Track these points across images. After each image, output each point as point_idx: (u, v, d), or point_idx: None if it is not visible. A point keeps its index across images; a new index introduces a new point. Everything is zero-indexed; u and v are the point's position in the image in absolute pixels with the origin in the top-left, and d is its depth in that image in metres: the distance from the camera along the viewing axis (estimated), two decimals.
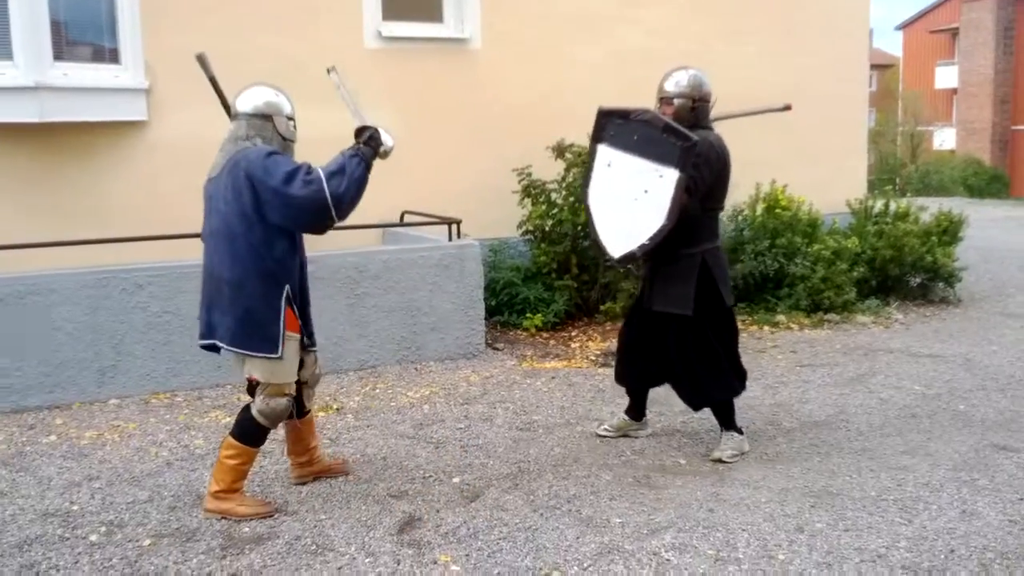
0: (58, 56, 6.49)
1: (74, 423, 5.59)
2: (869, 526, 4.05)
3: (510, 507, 4.28)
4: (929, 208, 9.85)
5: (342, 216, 4.00)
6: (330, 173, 3.93)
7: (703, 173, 4.61)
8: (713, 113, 4.93)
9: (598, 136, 4.74)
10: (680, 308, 4.73)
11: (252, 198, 3.93)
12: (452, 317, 6.99)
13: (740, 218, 8.64)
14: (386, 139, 4.12)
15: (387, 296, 6.74)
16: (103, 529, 4.11)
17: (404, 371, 6.67)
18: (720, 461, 4.84)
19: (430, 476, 4.69)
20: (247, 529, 4.07)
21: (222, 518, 4.15)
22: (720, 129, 4.99)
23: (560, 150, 7.79)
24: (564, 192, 7.77)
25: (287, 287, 4.09)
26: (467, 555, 3.80)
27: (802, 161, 9.49)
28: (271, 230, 4.01)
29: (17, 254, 6.08)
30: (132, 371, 6.07)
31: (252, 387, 4.22)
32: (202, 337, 4.21)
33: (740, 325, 7.83)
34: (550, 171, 7.84)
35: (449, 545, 3.90)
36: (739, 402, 5.88)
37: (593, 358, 6.98)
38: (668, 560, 3.74)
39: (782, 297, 8.29)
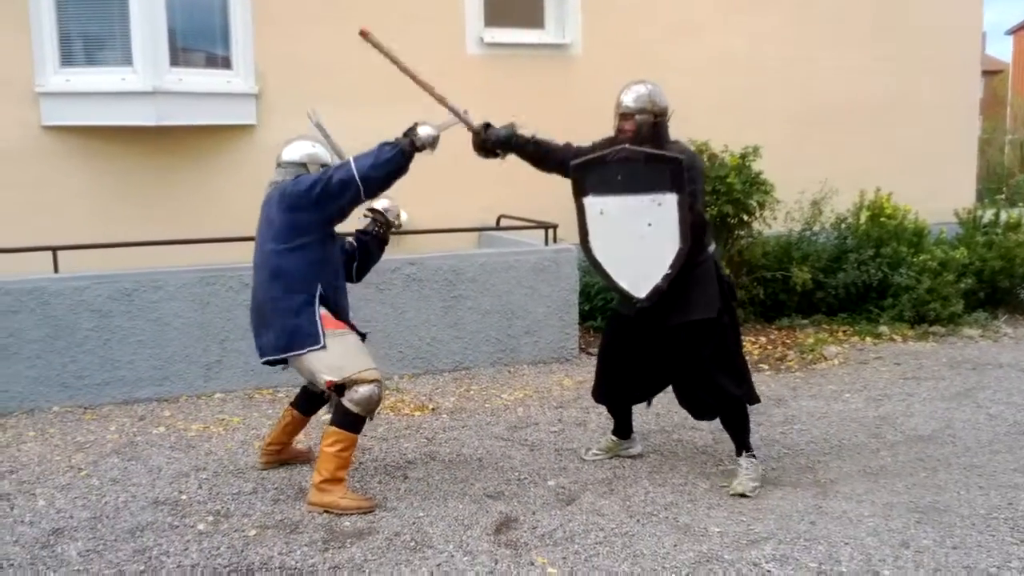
0: (174, 62, 6.75)
1: (181, 415, 5.79)
2: (979, 544, 3.92)
3: (606, 512, 4.27)
4: None
5: (369, 191, 4.32)
6: (358, 156, 4.32)
7: (699, 184, 4.53)
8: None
9: (580, 190, 4.55)
10: (705, 312, 4.45)
11: (283, 221, 4.31)
12: (546, 321, 7.01)
13: (843, 226, 8.46)
14: (422, 130, 4.38)
15: (483, 299, 6.80)
16: (210, 518, 4.25)
17: (498, 373, 6.72)
18: (744, 496, 4.45)
19: (525, 478, 4.72)
20: (348, 524, 4.15)
21: (324, 512, 4.26)
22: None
23: None
24: None
25: (319, 288, 4.33)
26: (564, 558, 3.81)
27: (908, 169, 9.24)
28: (300, 248, 4.31)
29: (131, 252, 6.34)
30: (237, 366, 6.25)
31: (340, 389, 4.32)
32: (260, 356, 4.49)
33: (842, 335, 7.75)
34: None
35: (546, 547, 3.91)
36: (841, 414, 5.79)
37: None
38: (769, 571, 3.69)
39: (885, 308, 8.06)
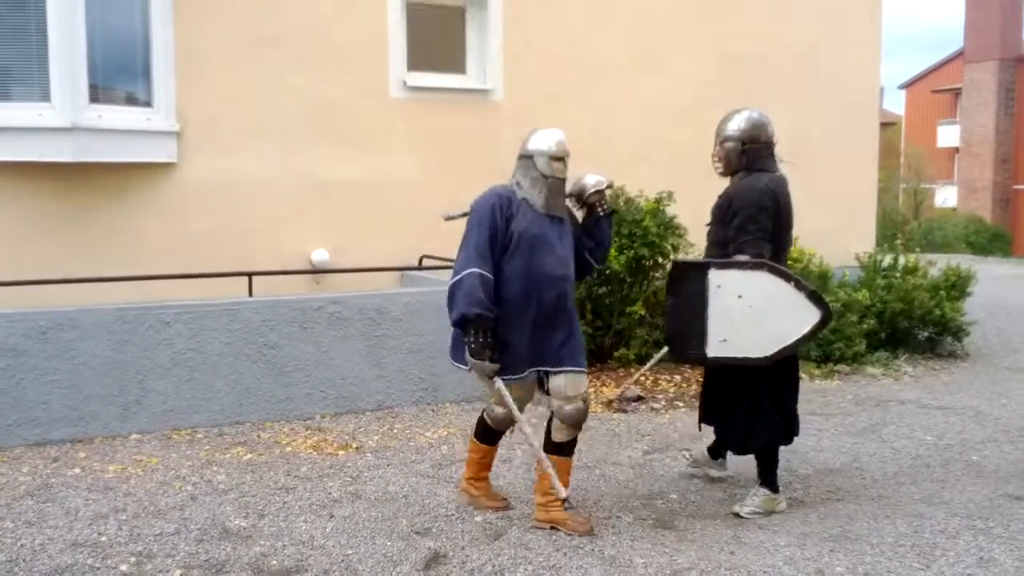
0: (94, 99, 6.67)
1: (97, 457, 5.66)
2: (888, 570, 4.11)
3: (533, 546, 4.34)
4: (937, 263, 9.98)
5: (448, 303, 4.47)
6: (472, 289, 4.39)
7: (762, 221, 4.72)
8: None
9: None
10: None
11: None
12: None
13: None
14: (471, 361, 4.46)
15: (406, 338, 6.84)
16: (133, 559, 4.17)
17: (421, 412, 6.75)
18: (736, 515, 4.72)
19: (452, 514, 4.76)
20: (275, 562, 4.13)
21: (469, 504, 4.83)
22: None
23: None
24: None
25: None
26: None
27: (813, 214, 9.59)
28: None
29: (47, 289, 6.23)
30: (154, 407, 6.15)
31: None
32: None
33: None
34: None
35: None
36: None
37: (607, 403, 7.05)
38: None
39: None
